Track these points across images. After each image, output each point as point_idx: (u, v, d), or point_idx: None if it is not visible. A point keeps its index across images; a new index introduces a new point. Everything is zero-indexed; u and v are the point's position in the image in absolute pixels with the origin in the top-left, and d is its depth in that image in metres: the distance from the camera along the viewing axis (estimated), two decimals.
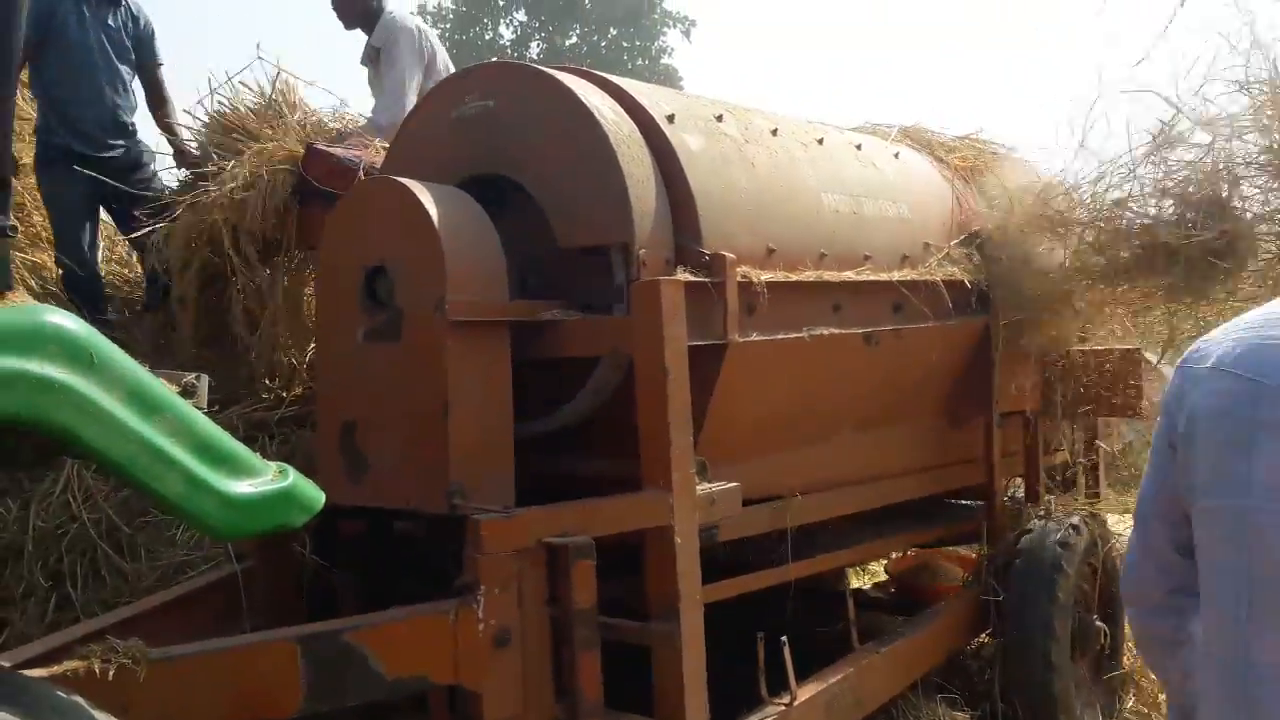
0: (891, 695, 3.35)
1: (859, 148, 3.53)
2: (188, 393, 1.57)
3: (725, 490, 2.60)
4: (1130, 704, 4.02)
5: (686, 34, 28.92)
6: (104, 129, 4.13)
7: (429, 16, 26.96)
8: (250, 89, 4.03)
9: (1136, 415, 4.13)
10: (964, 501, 4.18)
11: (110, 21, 4.21)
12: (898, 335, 3.23)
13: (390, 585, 2.68)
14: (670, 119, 2.78)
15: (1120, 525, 4.57)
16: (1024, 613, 3.61)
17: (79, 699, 1.44)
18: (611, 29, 28.62)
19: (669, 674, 2.39)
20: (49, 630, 2.82)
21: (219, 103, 4.03)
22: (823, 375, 3.05)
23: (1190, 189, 3.12)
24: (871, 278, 3.15)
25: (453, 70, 4.46)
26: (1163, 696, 4.00)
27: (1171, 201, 3.18)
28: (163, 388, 1.46)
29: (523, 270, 2.76)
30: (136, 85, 4.39)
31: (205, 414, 1.56)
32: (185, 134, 4.30)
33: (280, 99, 3.99)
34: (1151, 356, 4.24)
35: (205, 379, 1.64)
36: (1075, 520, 3.82)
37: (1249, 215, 3.13)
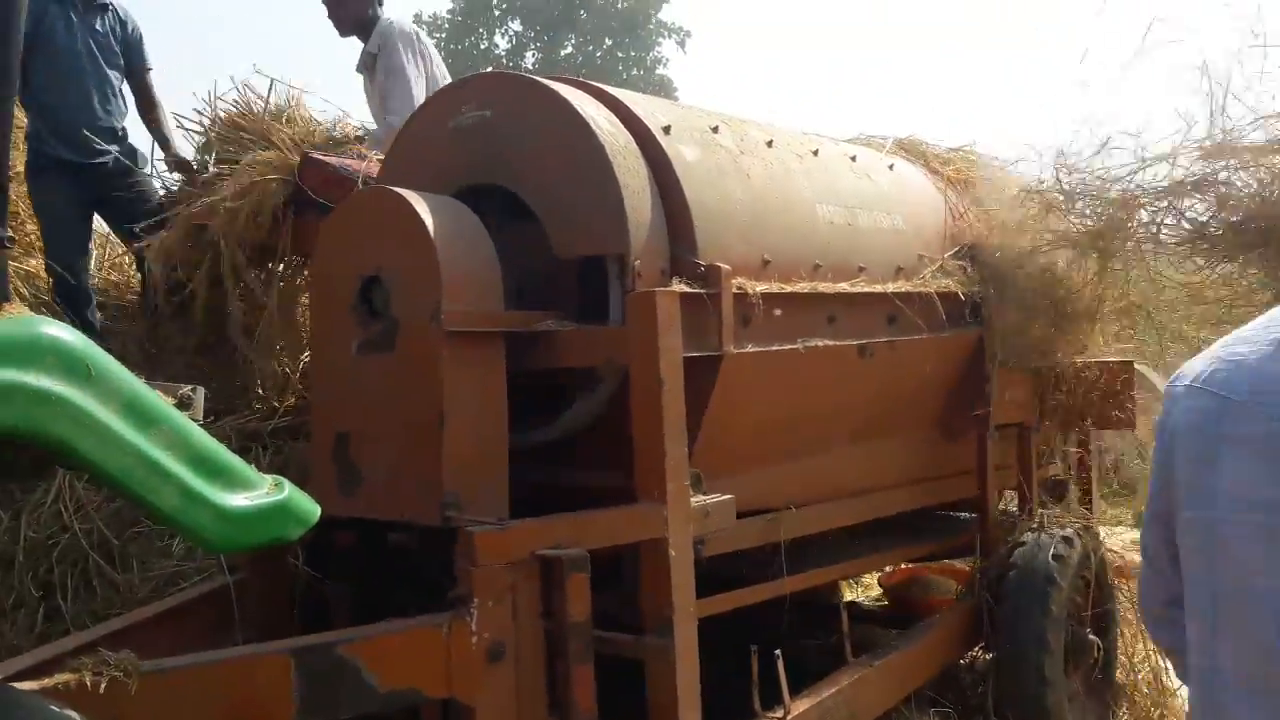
0: (885, 709, 3.34)
1: (854, 159, 3.55)
2: (184, 405, 1.57)
3: (720, 502, 2.60)
4: (1124, 718, 4.02)
5: (681, 45, 29.06)
6: (93, 135, 4.12)
7: (425, 25, 27.01)
8: (258, 96, 4.04)
9: (1130, 428, 4.14)
10: (957, 514, 4.19)
11: (98, 26, 4.20)
12: (892, 347, 3.24)
13: (384, 597, 2.67)
14: (666, 130, 2.78)
15: (1113, 538, 4.58)
16: (1017, 626, 3.61)
17: (72, 713, 1.43)
18: (607, 39, 28.72)
19: (663, 688, 2.38)
20: (39, 641, 2.81)
21: (229, 104, 4.03)
22: (817, 387, 3.05)
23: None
24: (866, 289, 3.16)
25: (448, 79, 4.47)
26: (1157, 712, 4.02)
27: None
28: (159, 400, 1.45)
29: (518, 280, 2.75)
30: (127, 91, 4.39)
31: (200, 426, 1.55)
32: (179, 136, 4.30)
33: (288, 102, 4.01)
34: (1147, 372, 4.26)
35: (201, 391, 1.64)
36: (1068, 533, 3.82)
37: None
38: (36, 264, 4.06)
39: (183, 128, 4.19)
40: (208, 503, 1.46)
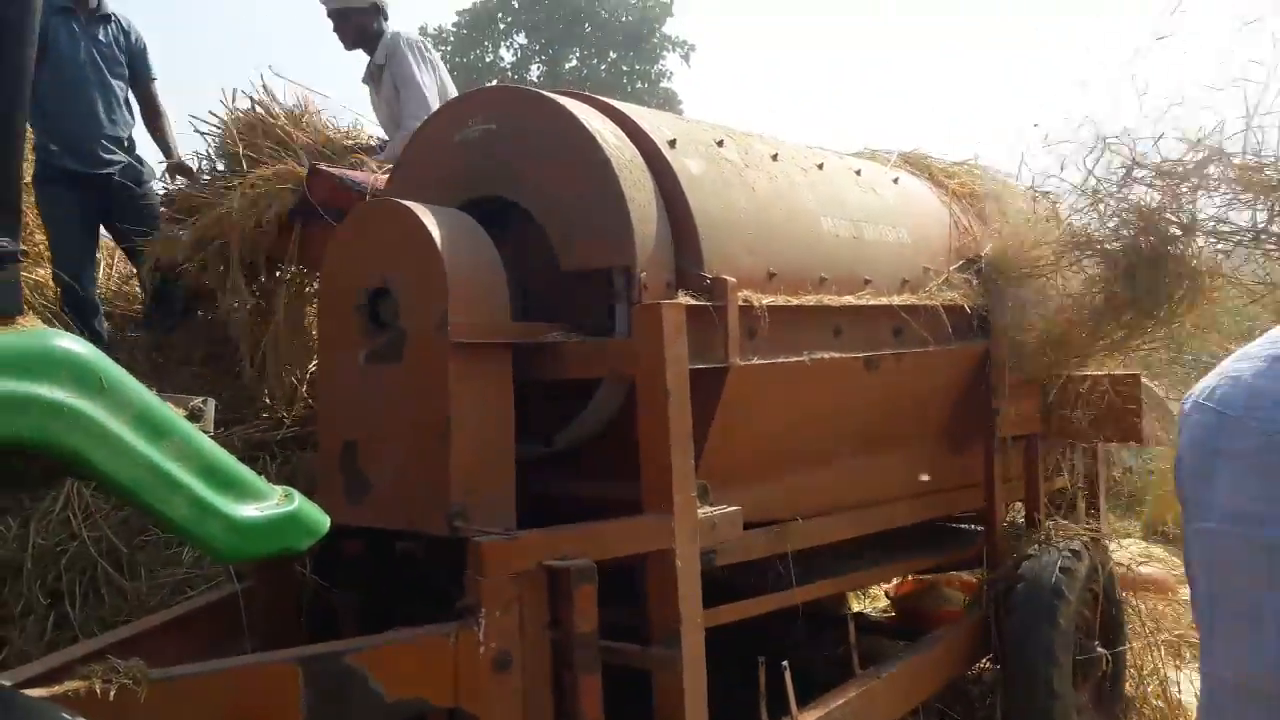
0: None
1: (859, 173, 3.56)
2: (195, 416, 1.58)
3: (726, 514, 2.60)
4: None
5: (686, 58, 29.14)
6: (98, 145, 4.15)
7: (430, 38, 27.15)
8: (273, 98, 4.07)
9: (1137, 441, 4.13)
10: (965, 526, 4.18)
11: (101, 37, 4.24)
12: (898, 359, 3.24)
13: (391, 606, 2.67)
14: (671, 144, 2.80)
15: (1121, 551, 4.57)
16: (1025, 639, 3.60)
17: None
18: (612, 52, 28.83)
19: (670, 699, 2.38)
20: (47, 648, 2.82)
21: (245, 107, 4.06)
22: (823, 399, 3.06)
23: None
24: (872, 302, 3.16)
25: (453, 91, 4.50)
26: None
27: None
28: (170, 412, 1.47)
29: (524, 292, 2.77)
30: (134, 101, 4.42)
31: (210, 436, 1.57)
32: (195, 137, 4.33)
33: (302, 105, 4.04)
34: (1154, 386, 4.25)
35: (212, 403, 1.65)
36: (1076, 545, 3.81)
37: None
38: (44, 274, 4.09)
39: (199, 132, 4.21)
40: (218, 513, 1.47)
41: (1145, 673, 4.13)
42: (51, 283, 4.05)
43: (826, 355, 2.95)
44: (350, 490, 2.57)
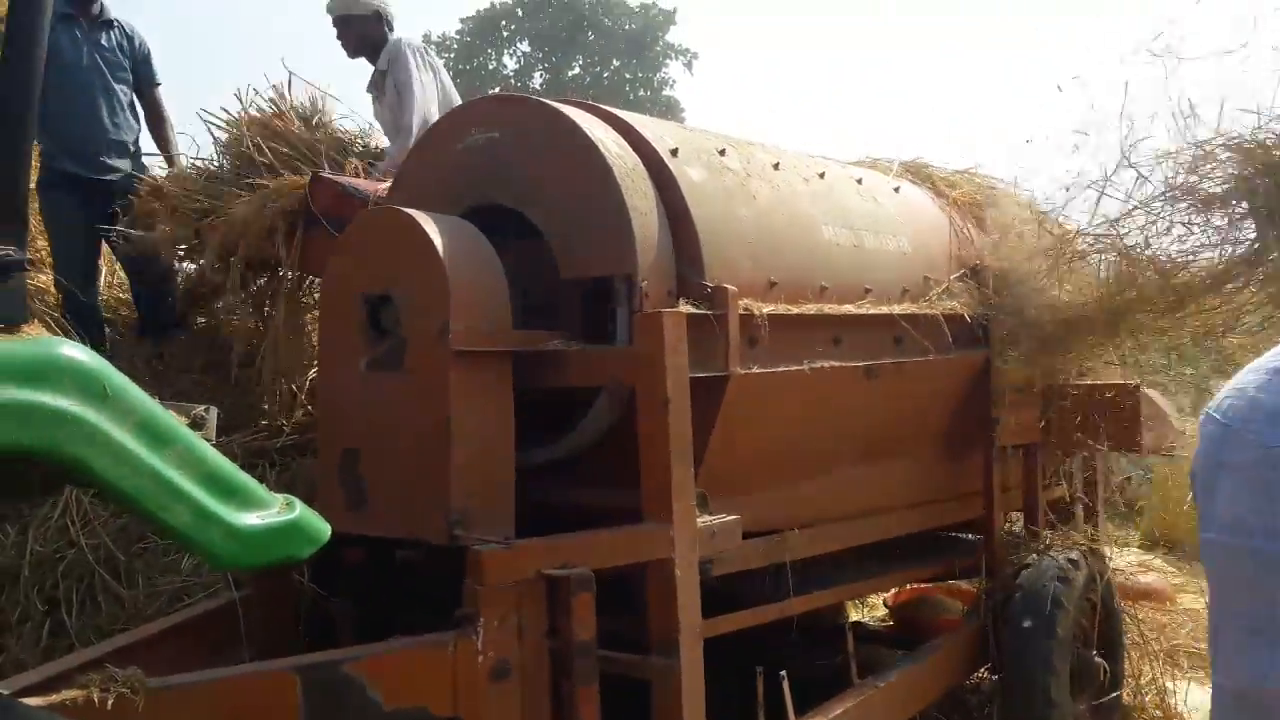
0: None
1: (860, 182, 3.56)
2: (197, 425, 1.58)
3: (725, 523, 2.60)
4: None
5: (688, 66, 29.21)
6: (101, 151, 4.15)
7: (433, 45, 27.22)
8: (283, 96, 4.07)
9: (1136, 450, 4.13)
10: (963, 535, 4.18)
11: (104, 42, 4.24)
12: (898, 368, 3.24)
13: (390, 615, 2.67)
14: (674, 152, 2.80)
15: (1119, 560, 4.56)
16: (1023, 648, 3.60)
17: None
18: (614, 60, 28.90)
19: (668, 708, 2.38)
20: (44, 656, 2.81)
21: (260, 108, 4.06)
22: (823, 408, 3.06)
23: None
24: (872, 311, 3.17)
25: (456, 97, 4.51)
26: None
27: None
28: (173, 420, 1.47)
29: (526, 300, 2.77)
30: (138, 105, 4.43)
31: (212, 444, 1.57)
32: (206, 134, 4.32)
33: (314, 106, 4.05)
34: (1156, 396, 4.25)
35: (214, 411, 1.65)
36: (1074, 555, 3.81)
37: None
38: (46, 280, 4.09)
39: (211, 134, 4.21)
40: (220, 521, 1.47)
41: (1143, 682, 4.13)
42: (53, 289, 4.05)
43: (827, 364, 2.95)
44: (350, 498, 2.57)
